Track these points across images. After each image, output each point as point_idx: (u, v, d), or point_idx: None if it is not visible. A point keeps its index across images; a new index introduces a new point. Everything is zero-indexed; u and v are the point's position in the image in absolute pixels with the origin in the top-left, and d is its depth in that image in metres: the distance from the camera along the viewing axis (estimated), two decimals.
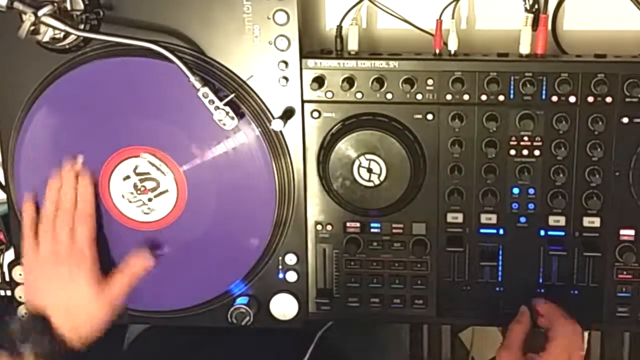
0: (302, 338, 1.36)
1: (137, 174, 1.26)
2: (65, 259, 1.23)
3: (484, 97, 1.22)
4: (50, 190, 1.25)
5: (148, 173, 1.26)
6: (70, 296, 1.22)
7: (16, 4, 1.12)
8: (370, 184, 1.24)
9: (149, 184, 1.27)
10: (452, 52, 1.25)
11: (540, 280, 1.29)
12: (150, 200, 1.27)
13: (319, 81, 1.24)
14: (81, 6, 1.19)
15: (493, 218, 1.27)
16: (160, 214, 1.27)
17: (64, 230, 1.24)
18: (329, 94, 1.24)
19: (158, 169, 1.25)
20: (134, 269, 1.26)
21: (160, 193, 1.27)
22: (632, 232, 1.26)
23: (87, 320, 1.23)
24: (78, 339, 1.22)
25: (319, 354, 1.35)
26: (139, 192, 1.27)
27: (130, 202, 1.28)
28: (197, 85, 1.16)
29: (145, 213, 1.28)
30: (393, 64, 1.23)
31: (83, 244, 1.23)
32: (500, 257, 1.28)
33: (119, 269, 1.25)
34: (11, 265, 1.35)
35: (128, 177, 1.27)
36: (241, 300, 1.31)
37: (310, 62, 1.24)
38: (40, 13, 1.14)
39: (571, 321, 1.21)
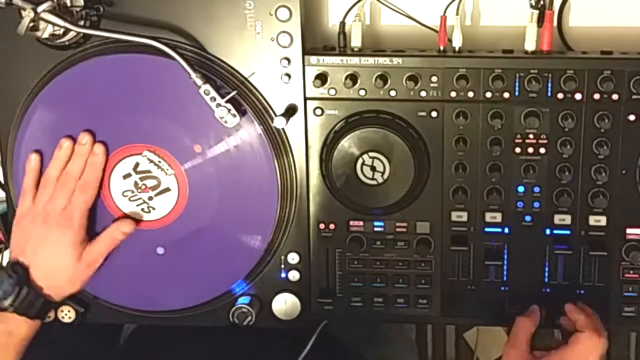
0: (302, 332, 1.35)
1: (138, 172, 1.26)
2: (55, 220, 1.24)
3: (488, 95, 1.22)
4: (59, 152, 1.26)
5: (149, 171, 1.25)
6: (52, 257, 1.25)
7: (15, 0, 1.12)
8: (374, 182, 1.23)
9: (150, 182, 1.26)
10: (457, 49, 1.24)
11: (546, 280, 1.28)
12: (150, 198, 1.26)
13: (322, 78, 1.23)
14: (81, 2, 1.19)
15: (498, 217, 1.26)
16: (161, 212, 1.27)
17: (62, 193, 1.25)
18: (332, 91, 1.24)
19: (159, 167, 1.25)
20: (114, 233, 1.27)
21: (161, 191, 1.26)
22: (638, 230, 1.25)
23: (65, 281, 1.27)
24: (55, 295, 1.26)
25: (323, 347, 1.34)
26: (139, 190, 1.26)
27: (130, 200, 1.27)
28: (199, 82, 1.15)
29: (145, 211, 1.27)
30: (397, 60, 1.22)
31: (76, 211, 1.25)
32: (505, 256, 1.28)
33: (101, 234, 1.28)
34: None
35: (129, 175, 1.26)
36: (243, 300, 1.30)
37: (313, 59, 1.23)
38: (39, 9, 1.13)
39: (598, 335, 1.18)
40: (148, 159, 1.25)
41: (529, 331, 1.22)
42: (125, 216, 1.28)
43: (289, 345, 1.33)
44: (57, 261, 1.25)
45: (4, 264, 1.38)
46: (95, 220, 1.28)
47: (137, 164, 1.25)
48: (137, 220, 1.28)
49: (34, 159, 1.27)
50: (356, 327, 1.48)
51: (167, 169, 1.25)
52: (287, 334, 1.33)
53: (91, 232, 1.27)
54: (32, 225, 1.26)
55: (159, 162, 1.25)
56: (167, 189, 1.26)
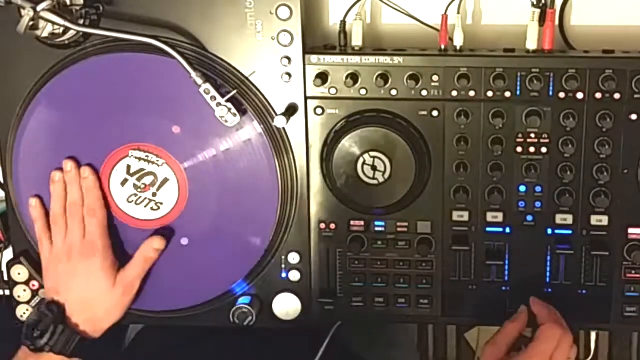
0: (307, 336, 1.35)
1: (132, 174, 1.26)
2: (79, 252, 1.25)
3: (490, 94, 1.21)
4: (54, 186, 1.26)
5: (142, 169, 1.26)
6: (86, 288, 1.24)
7: None
8: (375, 182, 1.23)
9: (147, 179, 1.26)
10: (458, 48, 1.24)
11: (548, 280, 1.28)
12: (154, 195, 1.26)
13: (323, 77, 1.23)
14: (80, 1, 1.18)
15: (499, 216, 1.26)
16: (169, 205, 1.26)
17: (74, 224, 1.25)
18: (333, 90, 1.23)
19: (148, 161, 1.25)
20: (147, 252, 1.26)
21: (162, 184, 1.26)
22: None
23: (102, 312, 1.26)
24: (93, 331, 1.25)
25: (327, 350, 1.34)
26: (140, 190, 1.26)
27: (137, 204, 1.27)
28: (199, 81, 1.15)
29: (154, 209, 1.27)
30: (398, 59, 1.21)
31: (95, 235, 1.25)
32: (507, 256, 1.27)
33: (132, 256, 1.27)
34: (10, 264, 1.34)
35: (125, 180, 1.26)
36: (243, 300, 1.30)
37: (314, 58, 1.23)
38: (39, 8, 1.13)
39: (560, 326, 1.19)
40: (136, 157, 1.25)
41: (512, 336, 1.22)
42: (140, 223, 1.28)
43: (295, 349, 1.33)
44: (91, 292, 1.25)
45: (3, 266, 1.38)
46: (117, 238, 1.28)
47: (128, 167, 1.25)
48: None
49: (35, 204, 1.28)
50: (360, 330, 1.47)
51: (157, 160, 1.25)
52: (293, 337, 1.33)
53: (119, 253, 1.27)
54: (58, 266, 1.26)
55: (147, 156, 1.25)
56: (166, 179, 1.26)
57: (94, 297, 1.25)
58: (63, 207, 1.26)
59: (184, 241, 1.28)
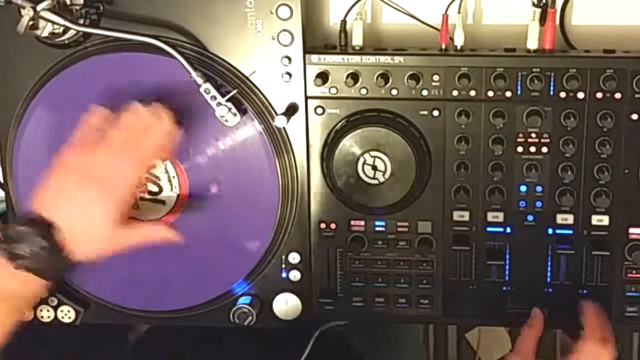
0: (307, 334, 1.35)
1: (148, 172, 1.25)
2: (105, 183, 1.11)
3: (490, 93, 1.21)
4: (131, 119, 1.15)
5: (158, 178, 1.25)
6: (92, 218, 1.11)
7: None
8: (375, 182, 1.23)
9: (152, 187, 1.26)
10: (459, 48, 1.24)
11: (548, 280, 1.27)
12: (142, 199, 1.26)
13: (323, 77, 1.22)
14: (81, 0, 1.18)
15: (500, 216, 1.26)
16: (169, 205, 1.26)
17: (121, 159, 1.12)
18: (333, 90, 1.23)
19: (170, 181, 1.24)
20: (156, 232, 1.19)
21: (155, 201, 1.26)
22: None
23: (94, 247, 1.13)
24: (78, 255, 1.11)
25: (331, 350, 1.33)
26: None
27: None
28: (199, 81, 1.15)
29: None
30: (398, 59, 1.21)
31: (129, 182, 1.12)
32: (508, 256, 1.27)
33: (143, 222, 1.21)
34: None
35: None
36: (243, 300, 1.30)
37: (314, 58, 1.22)
38: (39, 7, 1.13)
39: (603, 344, 1.18)
40: (166, 169, 1.24)
41: (532, 342, 1.22)
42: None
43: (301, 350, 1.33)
44: (93, 232, 1.11)
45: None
46: None
47: (153, 165, 1.23)
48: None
49: (103, 112, 1.15)
50: (365, 330, 1.47)
51: (176, 187, 1.24)
52: (301, 339, 1.32)
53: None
54: (78, 180, 1.12)
55: (173, 177, 1.24)
56: (162, 202, 1.25)
57: (94, 227, 1.11)
58: (124, 139, 1.13)
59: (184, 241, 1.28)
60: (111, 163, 1.12)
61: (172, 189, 1.25)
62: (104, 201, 1.11)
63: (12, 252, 1.08)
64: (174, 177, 1.24)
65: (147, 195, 1.26)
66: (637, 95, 1.19)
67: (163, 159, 1.21)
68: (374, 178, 1.23)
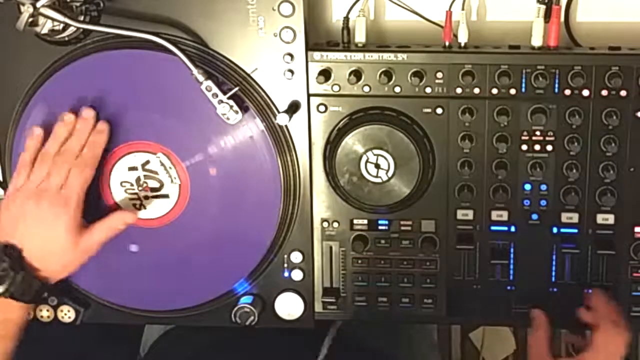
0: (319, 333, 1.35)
1: (145, 170, 1.25)
2: (52, 198, 1.17)
3: (494, 91, 1.21)
4: (61, 126, 1.21)
5: (156, 172, 1.24)
6: (47, 239, 1.18)
7: None
8: (378, 180, 1.22)
9: (152, 183, 1.25)
10: (462, 45, 1.24)
11: (553, 279, 1.27)
12: (146, 198, 1.25)
13: (326, 74, 1.22)
14: None
15: (504, 215, 1.25)
16: (150, 214, 1.26)
17: (61, 170, 1.18)
18: (336, 88, 1.23)
19: (168, 172, 1.24)
20: (116, 222, 1.22)
21: (159, 196, 1.25)
22: None
23: (60, 266, 1.20)
24: (50, 279, 1.20)
25: (345, 348, 1.34)
26: (139, 187, 1.25)
27: (125, 192, 1.26)
28: (200, 78, 1.15)
29: (136, 207, 1.26)
30: (401, 56, 1.21)
31: (74, 189, 1.18)
32: (512, 255, 1.27)
33: (100, 220, 1.22)
34: None
35: (135, 168, 1.25)
36: (245, 300, 1.29)
37: (317, 55, 1.22)
38: (39, 4, 1.12)
39: (617, 329, 1.19)
40: (160, 161, 1.24)
41: (544, 343, 1.22)
42: (117, 205, 1.25)
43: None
44: (53, 245, 1.18)
45: None
46: (88, 204, 1.22)
47: (147, 162, 1.24)
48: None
49: (37, 135, 1.21)
50: (379, 328, 1.46)
51: (175, 177, 1.24)
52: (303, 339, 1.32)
53: (118, 248, 1.25)
54: (25, 205, 1.18)
55: (170, 168, 1.24)
56: (166, 196, 1.25)
57: (53, 250, 1.18)
58: (57, 150, 1.19)
59: (186, 240, 1.27)
60: (54, 176, 1.18)
61: (172, 181, 1.24)
62: (57, 214, 1.17)
63: None
64: (170, 167, 1.23)
65: (149, 193, 1.25)
66: None
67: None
68: (377, 176, 1.22)
